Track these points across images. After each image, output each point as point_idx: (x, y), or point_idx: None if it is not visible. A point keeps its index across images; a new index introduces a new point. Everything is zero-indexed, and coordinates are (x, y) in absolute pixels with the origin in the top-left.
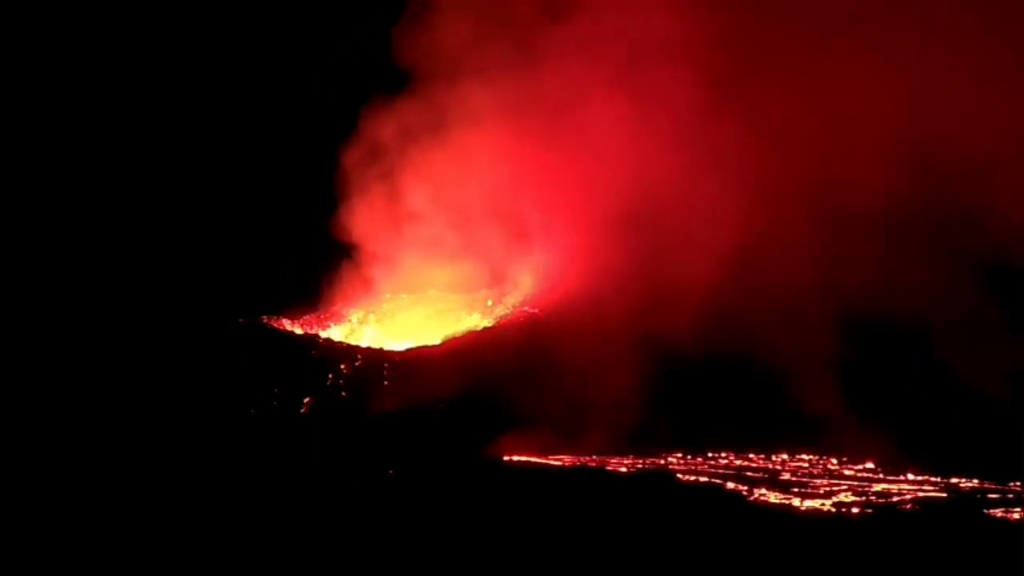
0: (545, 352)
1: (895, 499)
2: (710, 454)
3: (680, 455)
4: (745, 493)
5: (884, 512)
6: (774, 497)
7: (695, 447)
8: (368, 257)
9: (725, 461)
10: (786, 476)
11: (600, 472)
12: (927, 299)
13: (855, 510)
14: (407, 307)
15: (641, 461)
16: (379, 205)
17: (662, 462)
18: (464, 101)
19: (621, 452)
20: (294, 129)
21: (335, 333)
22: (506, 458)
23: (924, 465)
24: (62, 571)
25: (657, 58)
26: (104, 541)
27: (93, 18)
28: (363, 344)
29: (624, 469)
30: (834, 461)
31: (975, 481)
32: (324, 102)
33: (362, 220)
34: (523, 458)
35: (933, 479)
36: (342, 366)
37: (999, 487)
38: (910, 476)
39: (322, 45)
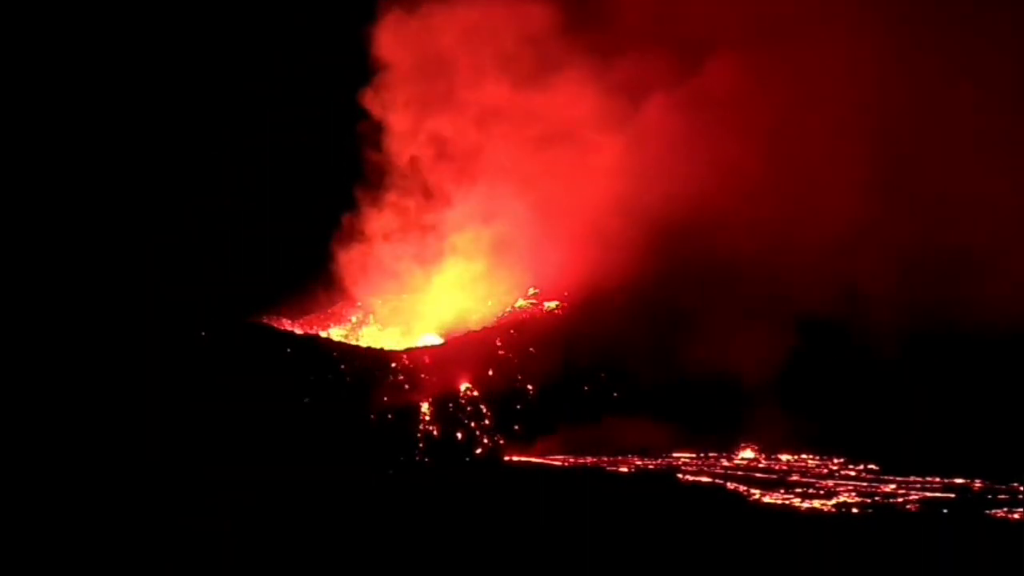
0: (545, 351)
1: (896, 499)
2: (711, 454)
3: (681, 455)
4: (746, 493)
5: (885, 512)
6: (775, 497)
7: (696, 447)
8: (368, 257)
9: (726, 461)
10: (787, 476)
11: (600, 472)
12: (930, 301)
13: (856, 510)
14: (407, 307)
15: (642, 461)
16: (380, 205)
17: (663, 462)
18: (471, 102)
19: (622, 452)
20: (295, 129)
21: (335, 333)
22: (506, 458)
23: (925, 465)
24: (62, 571)
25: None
26: (102, 540)
27: (91, 18)
28: (363, 344)
29: (625, 469)
30: (836, 461)
31: (976, 481)
32: (327, 102)
33: (363, 220)
34: (523, 458)
35: (934, 479)
36: (342, 366)
37: (1000, 487)
38: (911, 476)
39: (332, 45)
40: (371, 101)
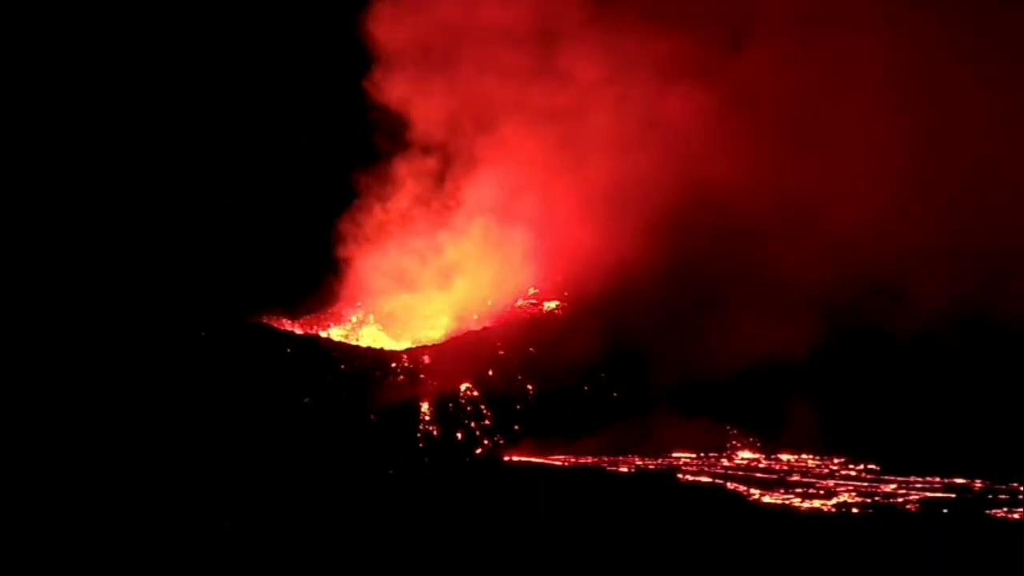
0: (545, 351)
1: (896, 499)
2: (712, 454)
3: (681, 455)
4: (746, 493)
5: (885, 512)
6: (775, 497)
7: (697, 447)
8: (368, 257)
9: (727, 461)
10: (787, 476)
11: (600, 472)
12: (926, 298)
13: (856, 510)
14: (407, 307)
15: (642, 461)
16: (379, 204)
17: (663, 462)
18: (468, 99)
19: (622, 452)
20: (294, 128)
21: (335, 333)
22: (506, 458)
23: (925, 465)
24: (62, 571)
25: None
26: (102, 540)
27: (92, 18)
28: (363, 344)
29: (625, 469)
30: (836, 461)
31: (976, 481)
32: (325, 102)
33: (363, 219)
34: (523, 458)
35: (934, 479)
36: (342, 366)
37: (1000, 487)
38: (911, 476)
39: (327, 44)
40: (371, 93)
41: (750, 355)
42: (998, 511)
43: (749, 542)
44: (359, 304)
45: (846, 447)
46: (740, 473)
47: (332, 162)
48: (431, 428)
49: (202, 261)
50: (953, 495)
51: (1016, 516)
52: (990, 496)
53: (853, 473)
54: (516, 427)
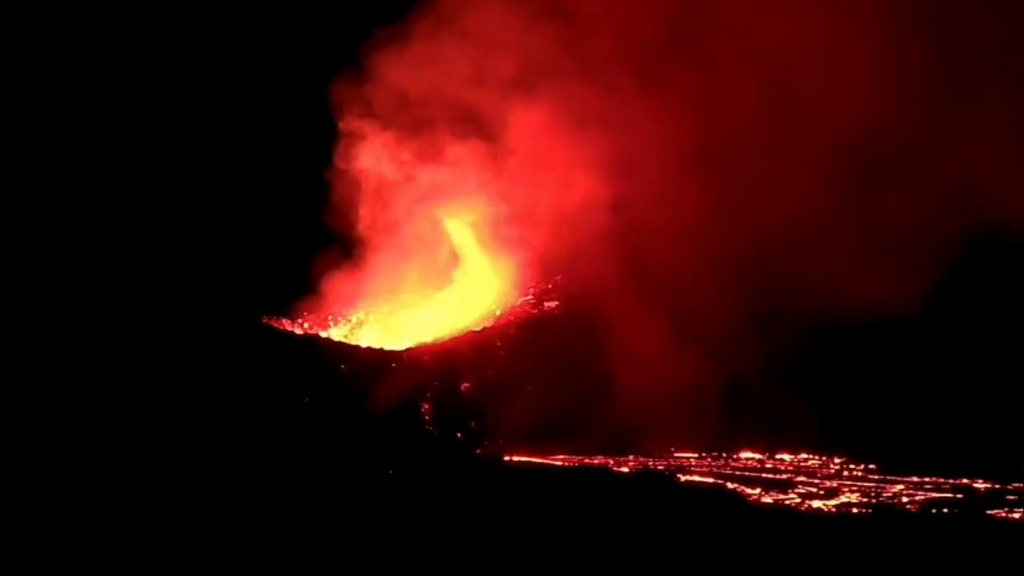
0: (545, 351)
1: (896, 499)
2: (712, 454)
3: (681, 455)
4: (746, 494)
5: (885, 512)
6: (775, 497)
7: (697, 447)
8: (368, 256)
9: (727, 461)
10: (787, 476)
11: (601, 472)
12: (926, 298)
13: (856, 510)
14: (407, 307)
15: (642, 461)
16: (379, 203)
17: (663, 462)
18: (468, 94)
19: (622, 452)
20: (293, 127)
21: (335, 333)
22: (506, 458)
23: (926, 465)
24: (62, 571)
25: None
26: (102, 541)
27: (93, 18)
28: (363, 344)
29: (626, 469)
30: (836, 461)
31: (976, 481)
32: (322, 98)
33: (362, 219)
34: (523, 458)
35: (935, 479)
36: (342, 366)
37: (1000, 487)
38: (912, 476)
39: (320, 37)
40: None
41: (751, 353)
42: (999, 511)
43: (749, 542)
44: (359, 304)
45: (846, 447)
46: (740, 473)
47: (332, 160)
48: (431, 428)
49: (201, 261)
50: (956, 495)
51: (1016, 516)
52: (991, 497)
53: (855, 473)
54: (516, 427)
